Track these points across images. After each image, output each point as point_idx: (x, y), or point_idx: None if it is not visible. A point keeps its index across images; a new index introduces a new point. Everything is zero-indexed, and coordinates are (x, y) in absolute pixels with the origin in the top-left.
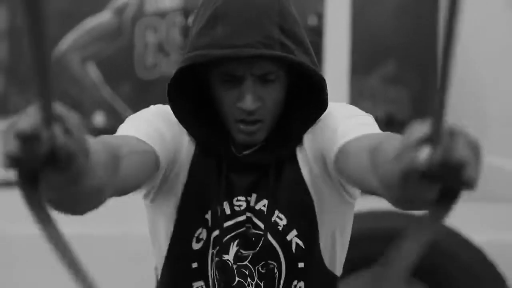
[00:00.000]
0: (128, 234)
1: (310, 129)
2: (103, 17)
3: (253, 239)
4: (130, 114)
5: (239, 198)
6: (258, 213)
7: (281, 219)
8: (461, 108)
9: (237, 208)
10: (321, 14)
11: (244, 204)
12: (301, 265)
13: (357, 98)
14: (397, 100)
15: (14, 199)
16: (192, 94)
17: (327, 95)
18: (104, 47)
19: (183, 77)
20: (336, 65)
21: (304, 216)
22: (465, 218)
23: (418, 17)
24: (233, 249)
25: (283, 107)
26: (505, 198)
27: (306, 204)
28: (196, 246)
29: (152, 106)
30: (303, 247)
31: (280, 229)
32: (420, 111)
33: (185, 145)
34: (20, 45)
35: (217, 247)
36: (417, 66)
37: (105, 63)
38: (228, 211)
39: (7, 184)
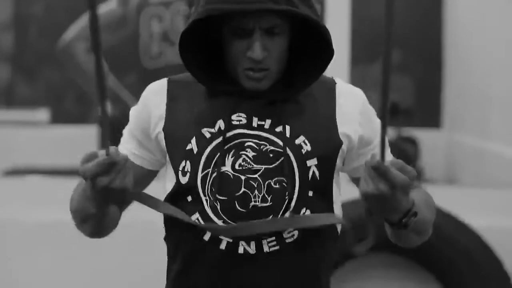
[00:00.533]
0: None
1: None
2: (108, 7)
3: (271, 155)
4: (135, 104)
5: (240, 114)
6: (277, 134)
7: (306, 144)
8: (465, 97)
9: (235, 122)
10: (322, 2)
11: (244, 120)
12: (311, 193)
13: (359, 87)
14: (401, 88)
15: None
16: (202, 48)
17: (332, 43)
18: (109, 36)
19: (193, 31)
20: (336, 54)
21: (328, 152)
22: (465, 203)
23: (422, 6)
24: (229, 160)
25: (287, 60)
26: (505, 183)
27: (333, 142)
28: (183, 180)
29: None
30: (318, 178)
31: (304, 152)
32: (424, 100)
33: (156, 103)
34: (26, 35)
35: (212, 165)
36: (422, 55)
37: (110, 53)
38: (222, 127)
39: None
